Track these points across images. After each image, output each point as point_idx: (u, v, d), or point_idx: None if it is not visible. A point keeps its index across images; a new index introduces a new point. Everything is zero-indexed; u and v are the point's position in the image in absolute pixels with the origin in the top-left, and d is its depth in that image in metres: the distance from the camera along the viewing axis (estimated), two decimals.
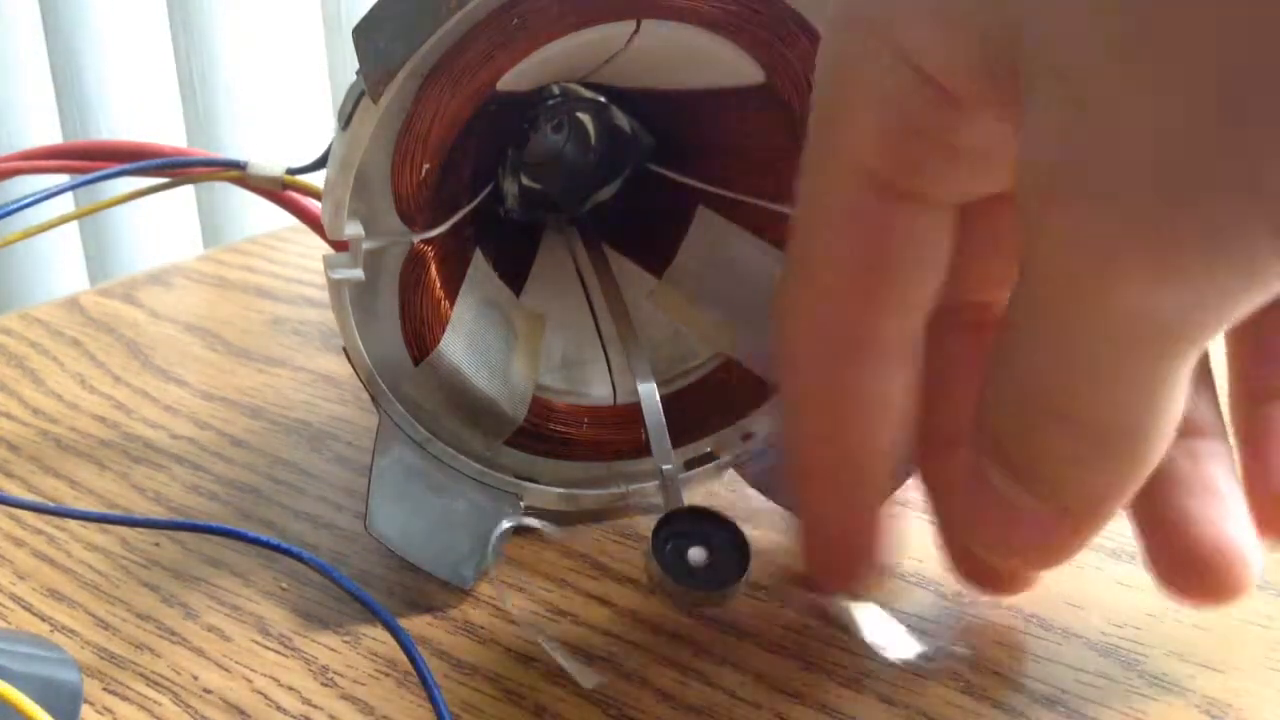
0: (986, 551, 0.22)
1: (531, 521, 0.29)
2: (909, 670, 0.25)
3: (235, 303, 0.47)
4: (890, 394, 0.23)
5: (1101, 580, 0.28)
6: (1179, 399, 0.19)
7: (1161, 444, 0.20)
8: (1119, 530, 0.30)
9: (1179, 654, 0.25)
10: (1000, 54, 0.19)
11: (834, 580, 0.26)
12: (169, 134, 0.79)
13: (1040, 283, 0.19)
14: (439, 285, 0.29)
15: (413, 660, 0.25)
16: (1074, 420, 0.19)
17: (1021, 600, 0.27)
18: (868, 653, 0.26)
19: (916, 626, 0.26)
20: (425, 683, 0.25)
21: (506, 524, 0.29)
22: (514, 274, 0.32)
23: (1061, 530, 0.21)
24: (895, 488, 0.26)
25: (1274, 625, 0.26)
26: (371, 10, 0.24)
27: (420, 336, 0.28)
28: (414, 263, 0.28)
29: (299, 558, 0.28)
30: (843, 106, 0.22)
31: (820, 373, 0.23)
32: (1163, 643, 0.26)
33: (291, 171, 0.29)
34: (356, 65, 0.24)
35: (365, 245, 0.27)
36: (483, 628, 0.27)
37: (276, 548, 0.29)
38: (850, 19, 0.21)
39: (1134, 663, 0.25)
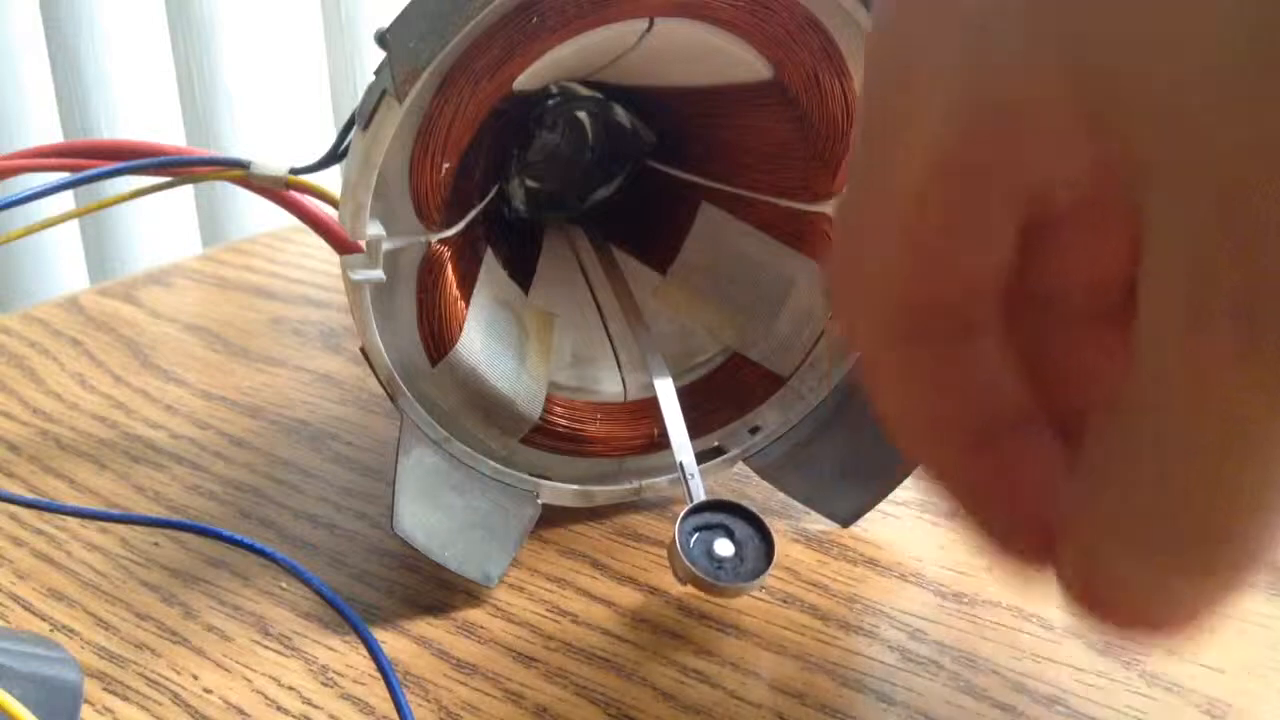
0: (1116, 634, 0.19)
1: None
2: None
3: (235, 303, 0.47)
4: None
5: None
6: None
7: None
8: None
9: (1179, 654, 0.25)
10: (1094, 105, 0.16)
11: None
12: (169, 134, 0.79)
13: (1161, 390, 0.17)
14: (455, 285, 0.29)
15: (381, 667, 0.26)
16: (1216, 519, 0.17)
17: (1021, 600, 0.27)
18: None
19: (915, 626, 0.26)
20: (392, 689, 0.25)
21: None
22: (521, 273, 0.32)
23: (1194, 600, 0.18)
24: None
25: (1274, 625, 0.26)
26: (404, 10, 0.24)
27: (438, 337, 0.28)
28: (431, 263, 0.28)
29: (272, 558, 0.28)
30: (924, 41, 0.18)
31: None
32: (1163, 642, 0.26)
33: (295, 171, 0.29)
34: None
35: (385, 246, 0.27)
36: (483, 628, 0.27)
37: (250, 547, 0.29)
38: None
39: (1134, 663, 0.25)
